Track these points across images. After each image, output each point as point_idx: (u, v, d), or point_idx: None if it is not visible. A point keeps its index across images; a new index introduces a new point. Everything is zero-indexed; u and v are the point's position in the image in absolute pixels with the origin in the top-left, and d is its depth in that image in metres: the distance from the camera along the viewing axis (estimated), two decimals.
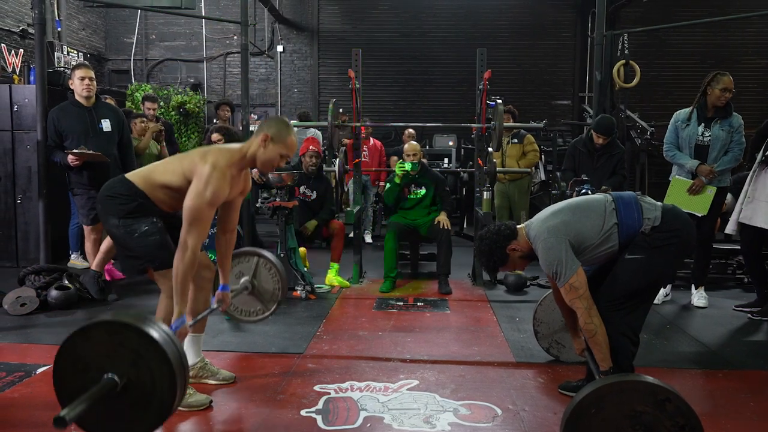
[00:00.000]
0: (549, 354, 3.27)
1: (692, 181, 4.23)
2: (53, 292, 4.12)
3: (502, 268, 2.64)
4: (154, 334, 1.83)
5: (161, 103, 8.90)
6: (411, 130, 7.51)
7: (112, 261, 4.75)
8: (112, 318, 1.89)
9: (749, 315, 4.15)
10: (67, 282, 4.26)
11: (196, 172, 2.47)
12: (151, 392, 1.83)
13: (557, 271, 2.38)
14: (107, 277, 4.57)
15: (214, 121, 7.04)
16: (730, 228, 4.29)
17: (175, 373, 1.82)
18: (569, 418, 1.88)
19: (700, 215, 4.18)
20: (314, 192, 5.10)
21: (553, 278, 2.44)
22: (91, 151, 4.29)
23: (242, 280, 3.23)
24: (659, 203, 2.53)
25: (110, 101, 5.54)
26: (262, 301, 3.26)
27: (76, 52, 8.49)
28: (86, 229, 4.52)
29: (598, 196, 2.60)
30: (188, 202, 2.43)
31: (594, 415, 1.86)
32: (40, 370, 2.98)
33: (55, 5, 8.66)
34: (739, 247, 4.60)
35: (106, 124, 4.47)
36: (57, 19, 8.60)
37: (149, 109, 5.96)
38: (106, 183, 2.70)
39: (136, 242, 2.57)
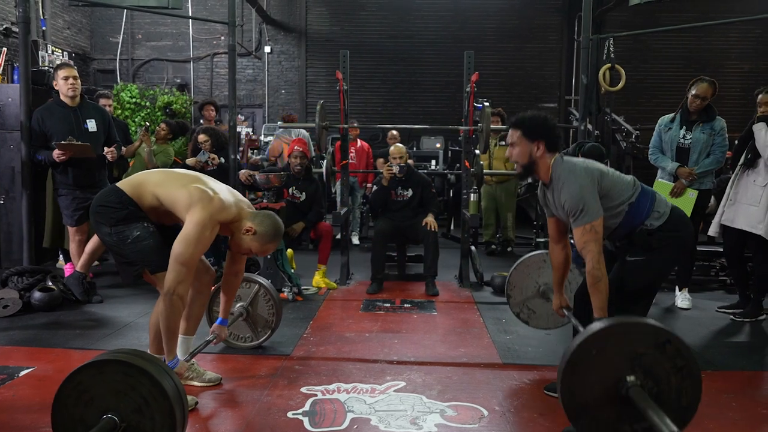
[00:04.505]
0: (519, 319, 3.36)
1: (674, 184, 4.29)
2: (37, 294, 4.08)
3: (510, 147, 2.57)
4: (168, 387, 1.81)
5: (147, 104, 8.85)
6: (395, 132, 7.52)
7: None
8: (132, 360, 1.84)
9: (732, 316, 4.20)
10: (50, 283, 4.22)
11: (191, 212, 2.51)
12: None
13: (583, 209, 2.37)
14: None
15: (200, 122, 6.97)
16: (713, 230, 4.35)
17: (176, 428, 1.80)
18: (570, 360, 1.85)
19: None
20: (303, 194, 5.09)
21: (570, 217, 2.43)
22: (78, 142, 4.24)
23: (237, 305, 3.27)
24: (670, 203, 2.61)
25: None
26: (254, 329, 3.37)
27: (60, 51, 8.40)
28: (71, 230, 4.47)
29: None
30: (180, 248, 2.47)
31: (595, 357, 1.84)
32: (22, 373, 2.95)
33: (40, 4, 8.58)
34: (722, 250, 4.66)
35: (91, 125, 4.42)
36: (41, 17, 8.50)
37: (104, 105, 5.50)
38: (97, 194, 2.75)
39: (129, 248, 2.60)
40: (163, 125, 6.03)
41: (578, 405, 1.86)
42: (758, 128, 4.04)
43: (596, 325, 1.91)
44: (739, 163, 4.22)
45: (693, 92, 4.23)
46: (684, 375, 1.84)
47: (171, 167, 5.85)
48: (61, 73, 4.31)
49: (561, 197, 2.46)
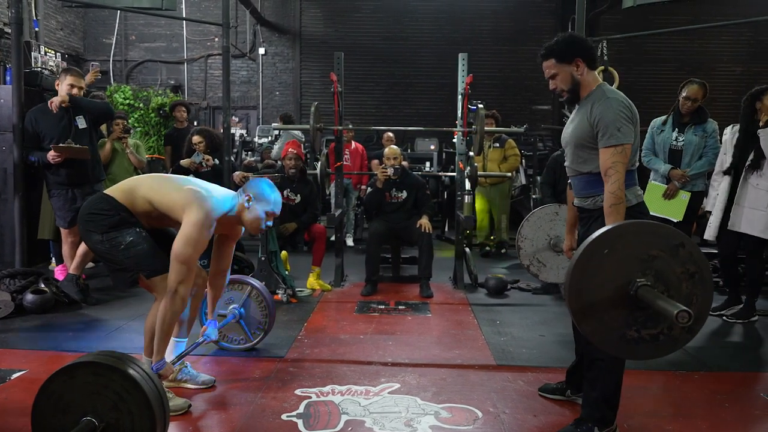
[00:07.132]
0: (529, 271, 3.35)
1: (667, 186, 4.31)
2: (29, 296, 4.05)
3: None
4: (139, 379, 1.82)
5: (141, 105, 8.80)
6: (390, 134, 7.53)
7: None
8: (99, 360, 1.85)
9: (724, 317, 4.22)
10: (43, 285, 4.20)
11: (188, 212, 2.50)
12: None
13: (620, 129, 2.25)
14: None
15: (173, 124, 6.93)
16: (709, 234, 4.33)
17: (155, 417, 1.80)
18: (580, 257, 1.80)
19: (675, 221, 4.24)
20: (298, 196, 5.09)
21: (600, 136, 2.29)
22: (77, 146, 4.23)
23: (230, 307, 3.26)
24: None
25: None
26: (247, 332, 3.30)
27: (53, 52, 8.35)
28: (63, 232, 4.45)
29: None
30: (179, 248, 2.46)
31: (606, 256, 1.80)
32: (14, 376, 2.93)
33: (33, 4, 8.53)
34: (714, 251, 4.67)
35: (81, 121, 4.41)
36: (34, 18, 8.46)
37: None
38: (85, 202, 2.71)
39: (123, 254, 2.56)
40: (121, 121, 5.80)
41: (586, 306, 1.80)
42: (765, 133, 3.99)
43: (607, 226, 1.85)
44: (745, 166, 4.13)
45: (684, 94, 4.26)
46: (696, 281, 1.80)
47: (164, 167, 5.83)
48: (69, 80, 4.36)
49: (593, 113, 2.32)
